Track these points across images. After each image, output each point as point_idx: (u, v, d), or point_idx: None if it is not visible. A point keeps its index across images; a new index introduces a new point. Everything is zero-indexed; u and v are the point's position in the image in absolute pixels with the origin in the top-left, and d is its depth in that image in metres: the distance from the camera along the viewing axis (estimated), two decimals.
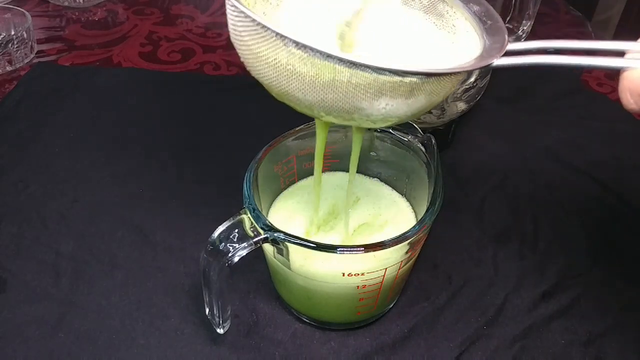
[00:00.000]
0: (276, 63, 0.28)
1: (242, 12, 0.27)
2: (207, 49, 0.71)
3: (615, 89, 0.68)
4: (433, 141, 0.39)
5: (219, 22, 0.77)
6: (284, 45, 0.27)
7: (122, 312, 0.41)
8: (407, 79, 0.27)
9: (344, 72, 0.26)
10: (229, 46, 0.72)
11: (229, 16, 0.30)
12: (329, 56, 0.26)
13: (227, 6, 0.29)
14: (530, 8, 0.70)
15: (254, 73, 0.30)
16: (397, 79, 0.27)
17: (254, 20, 0.27)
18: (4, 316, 0.41)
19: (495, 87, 0.60)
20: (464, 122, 0.58)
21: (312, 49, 0.26)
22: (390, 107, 0.28)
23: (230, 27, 0.30)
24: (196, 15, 0.78)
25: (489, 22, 0.32)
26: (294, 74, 0.28)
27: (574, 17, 0.82)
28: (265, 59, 0.28)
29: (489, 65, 0.29)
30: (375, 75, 0.26)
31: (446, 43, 0.34)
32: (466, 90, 0.51)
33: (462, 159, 0.56)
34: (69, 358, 0.39)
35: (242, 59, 0.30)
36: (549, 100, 0.65)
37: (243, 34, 0.28)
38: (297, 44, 0.26)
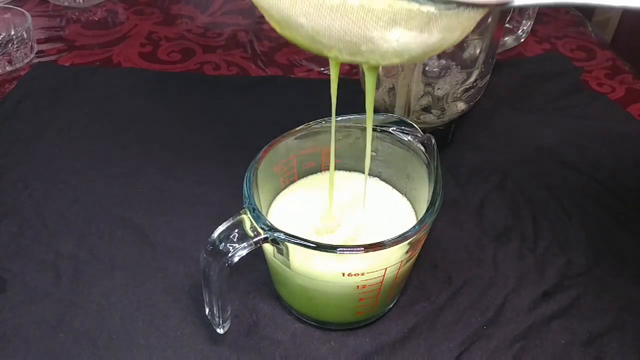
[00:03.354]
0: None
1: None
2: (207, 49, 0.71)
3: (615, 89, 0.68)
4: (433, 141, 0.39)
5: (219, 22, 0.77)
6: None
7: (122, 312, 0.41)
8: (425, 8, 0.25)
9: None
10: (229, 46, 0.72)
11: None
12: None
13: None
14: (530, 8, 0.70)
15: None
16: (414, 6, 0.25)
17: None
18: (4, 316, 0.41)
19: (495, 87, 0.61)
20: (464, 122, 0.58)
21: None
22: (403, 40, 0.26)
23: None
24: (196, 15, 0.78)
25: None
26: None
27: (574, 17, 0.82)
28: None
29: (509, 2, 0.26)
30: (390, 0, 0.24)
31: None
32: (466, 90, 0.51)
33: (462, 159, 0.56)
34: (69, 358, 0.39)
35: None
36: (549, 100, 0.65)
37: None
38: None
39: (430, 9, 0.25)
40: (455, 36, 0.28)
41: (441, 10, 0.25)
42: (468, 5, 0.26)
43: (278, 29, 0.28)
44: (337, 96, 0.36)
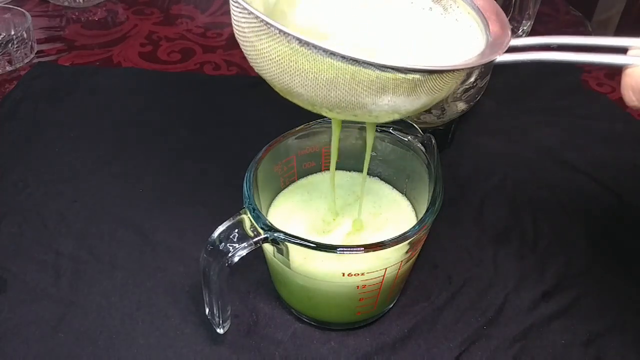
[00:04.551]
0: (279, 59, 0.28)
1: (245, 8, 0.27)
2: (207, 49, 0.71)
3: (615, 88, 0.68)
4: (433, 141, 0.39)
5: (219, 22, 0.77)
6: (287, 42, 0.27)
7: (122, 312, 0.41)
8: (410, 76, 0.27)
9: (347, 69, 0.26)
10: (229, 46, 0.72)
11: (232, 12, 0.29)
12: (331, 53, 0.26)
13: (231, 2, 0.29)
14: (530, 8, 0.70)
15: (257, 69, 0.30)
16: (399, 76, 0.27)
17: (257, 17, 0.27)
18: (4, 316, 0.41)
19: (495, 87, 0.60)
20: (464, 122, 0.58)
21: (314, 46, 0.26)
22: (394, 103, 0.28)
23: (233, 23, 0.30)
24: (196, 15, 0.78)
25: (492, 17, 0.32)
26: (297, 71, 0.28)
27: (574, 17, 0.82)
28: (268, 55, 0.28)
29: (492, 61, 0.29)
30: (378, 72, 0.26)
31: (449, 37, 0.34)
32: (466, 90, 0.51)
33: (462, 159, 0.56)
34: (69, 358, 0.39)
35: (245, 55, 0.30)
36: (549, 100, 0.65)
37: (246, 30, 0.28)
38: (299, 40, 0.26)
39: (415, 76, 0.27)
40: (443, 93, 0.30)
41: (425, 76, 0.27)
42: (451, 70, 0.28)
43: (280, 94, 0.31)
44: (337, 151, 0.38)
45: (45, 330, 0.40)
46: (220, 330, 0.38)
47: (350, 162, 0.45)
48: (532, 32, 0.75)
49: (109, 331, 0.40)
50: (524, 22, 0.72)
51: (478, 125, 0.60)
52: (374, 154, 0.43)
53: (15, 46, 0.65)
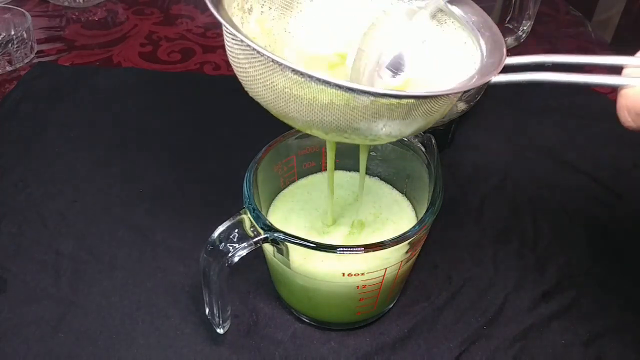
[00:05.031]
0: (273, 86, 0.28)
1: (238, 38, 0.27)
2: (207, 49, 0.71)
3: (615, 88, 0.68)
4: (433, 141, 0.39)
5: (218, 22, 0.77)
6: (281, 70, 0.27)
7: (122, 312, 0.41)
8: (404, 101, 0.27)
9: (341, 96, 0.26)
10: None
11: (226, 40, 0.30)
12: (325, 82, 0.26)
13: (224, 31, 0.29)
14: (530, 8, 0.70)
15: (252, 94, 0.30)
16: (394, 101, 0.27)
17: (249, 45, 0.27)
18: (4, 316, 0.41)
19: (495, 87, 0.60)
20: (464, 122, 0.58)
21: (308, 75, 0.26)
22: (389, 128, 0.29)
23: (227, 50, 0.30)
24: (196, 15, 0.78)
25: (487, 33, 0.32)
26: (292, 97, 0.28)
27: (574, 17, 0.82)
28: (263, 82, 0.28)
29: (487, 83, 0.29)
30: (371, 98, 0.26)
31: (444, 54, 0.34)
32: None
33: (462, 159, 0.56)
34: (69, 358, 0.39)
35: (240, 80, 0.30)
36: (549, 100, 0.65)
37: (240, 57, 0.29)
38: (293, 70, 0.26)
39: (410, 100, 0.27)
40: (439, 114, 0.30)
41: (419, 100, 0.27)
42: (445, 95, 0.29)
43: (276, 117, 0.31)
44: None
45: (45, 330, 0.40)
46: (220, 330, 0.38)
47: (350, 162, 0.45)
48: (532, 32, 0.75)
49: (109, 331, 0.40)
50: (523, 22, 0.72)
51: (478, 125, 0.60)
52: (374, 154, 0.43)
53: (15, 46, 0.65)
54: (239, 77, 0.30)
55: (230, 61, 0.30)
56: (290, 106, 0.28)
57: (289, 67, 0.26)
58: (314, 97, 0.27)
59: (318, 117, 0.28)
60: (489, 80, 0.29)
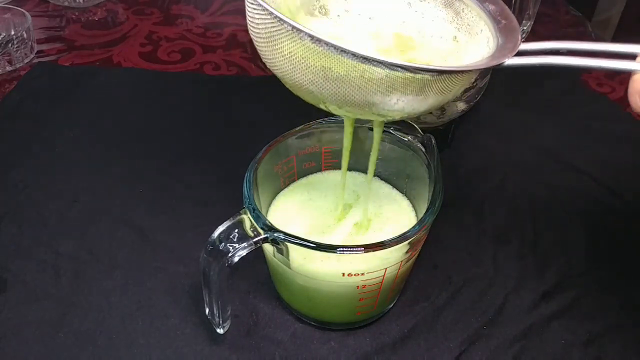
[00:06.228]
0: (291, 55, 0.28)
1: (259, 4, 0.27)
2: (207, 49, 0.71)
3: (615, 88, 0.68)
4: (433, 141, 0.39)
5: (219, 22, 0.77)
6: (299, 38, 0.27)
7: (122, 312, 0.41)
8: (419, 76, 0.27)
9: (357, 67, 0.27)
10: (229, 46, 0.72)
11: (247, 8, 0.30)
12: (342, 50, 0.26)
13: (246, 0, 0.29)
14: (530, 8, 0.69)
15: (269, 64, 0.31)
16: (408, 75, 0.27)
17: (270, 13, 0.27)
18: (4, 316, 0.41)
19: (495, 87, 0.60)
20: (464, 122, 0.58)
21: (326, 43, 0.26)
22: (402, 102, 0.29)
23: (248, 18, 0.30)
24: (196, 15, 0.78)
25: (503, 21, 0.32)
26: (309, 67, 0.28)
27: (574, 17, 0.82)
28: (281, 51, 0.28)
29: (501, 64, 0.29)
30: (387, 71, 0.27)
31: (460, 40, 0.34)
32: (466, 90, 0.51)
33: (462, 159, 0.56)
34: (69, 358, 0.39)
35: (258, 50, 0.31)
36: (549, 100, 0.65)
37: (260, 26, 0.29)
38: (311, 37, 0.26)
39: (424, 76, 0.27)
40: (452, 94, 0.30)
41: (434, 76, 0.28)
42: (460, 71, 0.29)
43: (291, 90, 0.32)
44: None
45: (45, 330, 0.40)
46: (220, 330, 0.38)
47: (350, 161, 0.45)
48: (532, 32, 0.75)
49: (109, 331, 0.40)
50: (524, 22, 0.72)
51: (478, 125, 0.60)
52: None
53: (15, 46, 0.65)
54: (258, 48, 0.30)
55: (250, 32, 0.31)
56: (307, 77, 0.29)
57: (308, 34, 0.26)
58: (330, 68, 0.27)
59: (333, 89, 0.28)
60: (503, 62, 0.29)
